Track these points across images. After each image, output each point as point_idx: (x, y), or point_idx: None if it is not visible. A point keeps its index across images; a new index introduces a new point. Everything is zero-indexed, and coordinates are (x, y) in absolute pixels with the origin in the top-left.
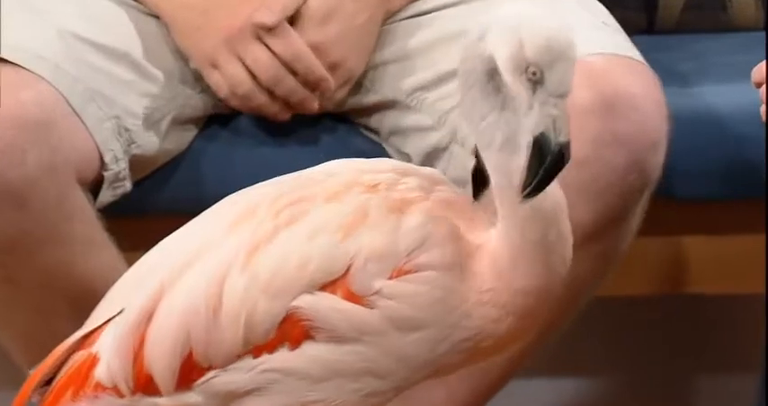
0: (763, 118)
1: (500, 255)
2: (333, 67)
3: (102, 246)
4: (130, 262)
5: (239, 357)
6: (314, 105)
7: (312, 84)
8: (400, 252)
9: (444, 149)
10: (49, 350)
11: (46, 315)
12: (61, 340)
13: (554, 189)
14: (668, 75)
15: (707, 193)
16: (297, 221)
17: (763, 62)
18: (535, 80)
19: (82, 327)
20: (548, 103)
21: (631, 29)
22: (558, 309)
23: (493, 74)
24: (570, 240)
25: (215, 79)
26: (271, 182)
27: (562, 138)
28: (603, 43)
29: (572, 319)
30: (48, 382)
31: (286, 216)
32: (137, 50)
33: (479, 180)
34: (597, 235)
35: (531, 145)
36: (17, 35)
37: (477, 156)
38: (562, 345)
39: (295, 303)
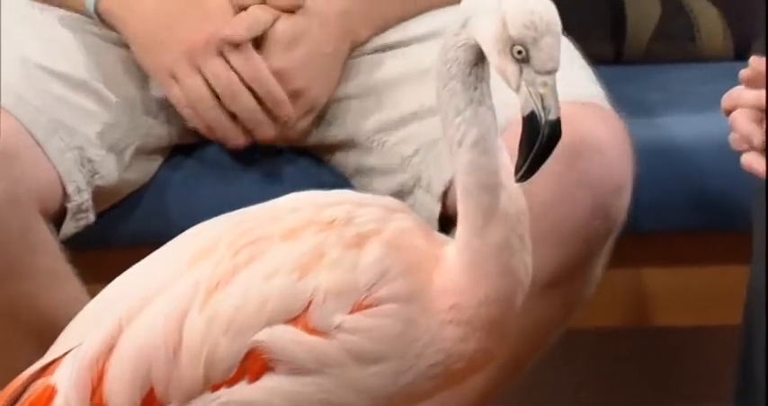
0: (732, 145)
1: (460, 268)
2: (295, 95)
3: (66, 278)
4: (94, 295)
5: (199, 393)
6: (271, 131)
7: (271, 108)
8: (360, 288)
9: (409, 193)
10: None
11: (9, 348)
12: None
13: (518, 195)
14: (635, 105)
15: (672, 225)
16: (255, 261)
17: (734, 89)
18: (521, 58)
19: (43, 358)
20: (535, 82)
21: (599, 59)
22: (524, 350)
23: (474, 64)
24: (530, 247)
25: (174, 92)
26: (231, 216)
27: (551, 116)
28: (568, 88)
29: (536, 358)
30: None
31: (245, 255)
32: (99, 80)
33: (446, 225)
34: (561, 281)
35: (522, 124)
36: None
37: (444, 202)
38: (528, 378)
39: (256, 337)
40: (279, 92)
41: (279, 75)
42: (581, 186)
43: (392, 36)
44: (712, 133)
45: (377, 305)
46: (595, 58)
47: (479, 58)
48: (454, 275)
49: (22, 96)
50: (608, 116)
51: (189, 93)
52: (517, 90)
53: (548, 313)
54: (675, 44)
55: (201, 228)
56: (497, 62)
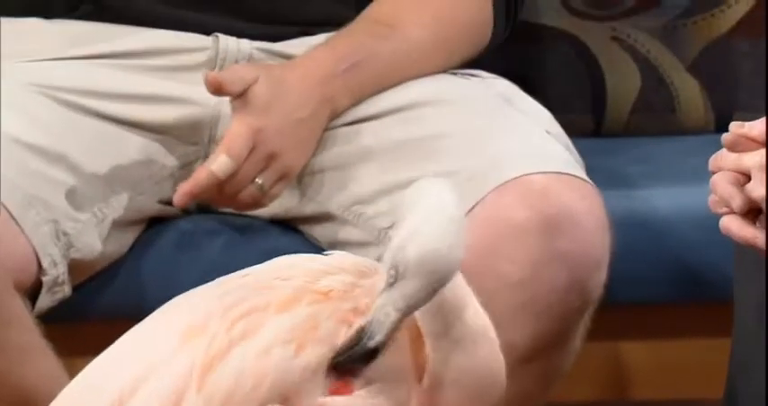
0: (711, 208)
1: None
2: (270, 158)
3: (41, 353)
4: (70, 369)
5: None
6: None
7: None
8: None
9: None
10: None
11: None
12: None
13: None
14: (614, 178)
15: (651, 297)
16: (250, 335)
17: (718, 152)
18: (390, 280)
19: None
20: (386, 305)
21: (578, 131)
22: None
23: None
24: (502, 364)
25: None
26: (217, 283)
27: (370, 343)
28: (545, 160)
29: None
30: None
31: (239, 329)
32: (75, 153)
33: None
34: (537, 355)
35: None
36: None
37: None
38: None
39: None
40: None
41: (254, 135)
42: (557, 261)
43: (368, 108)
44: (692, 206)
45: (367, 384)
46: (575, 130)
47: None
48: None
49: None
50: (585, 188)
51: None
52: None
53: (525, 387)
54: (656, 116)
55: (187, 299)
56: (384, 264)
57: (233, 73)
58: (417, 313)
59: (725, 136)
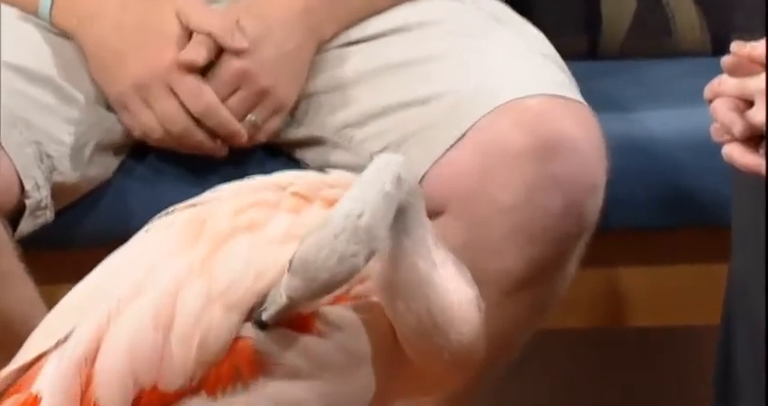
0: (713, 136)
1: None
2: (262, 95)
3: (20, 279)
4: (52, 296)
5: (192, 390)
6: (223, 152)
7: (224, 138)
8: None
9: None
10: None
11: None
12: None
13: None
14: (610, 101)
15: (647, 222)
16: (257, 227)
17: (716, 79)
18: (288, 266)
19: (11, 361)
20: (279, 289)
21: (573, 54)
22: (496, 351)
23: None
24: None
25: (127, 121)
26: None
27: (262, 315)
28: (539, 83)
29: (507, 362)
30: None
31: (247, 218)
32: (60, 74)
33: None
34: (531, 282)
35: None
36: None
37: None
38: (501, 379)
39: (248, 334)
40: (230, 123)
41: (244, 75)
42: (552, 186)
43: (357, 32)
44: (688, 128)
45: (359, 298)
46: (569, 53)
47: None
48: None
49: None
50: (580, 111)
51: (142, 127)
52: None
53: (519, 313)
54: (652, 39)
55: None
56: None
57: (220, 26)
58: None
59: (725, 60)
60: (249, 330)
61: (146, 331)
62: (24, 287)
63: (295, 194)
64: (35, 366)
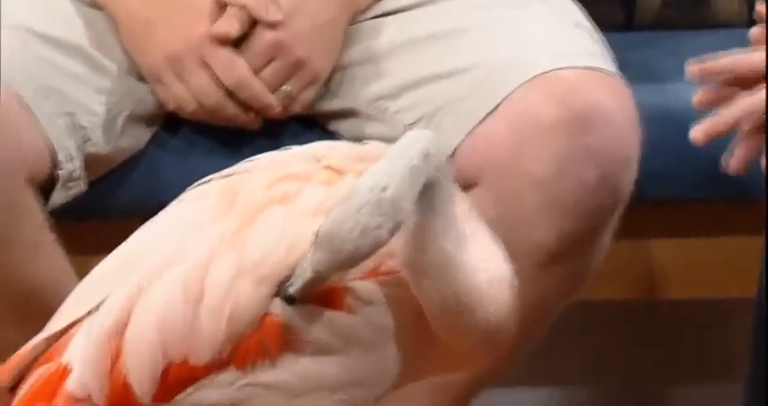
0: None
1: None
2: (296, 66)
3: (51, 249)
4: (83, 267)
5: (220, 364)
6: (256, 124)
7: (258, 111)
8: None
9: None
10: None
11: None
12: (8, 346)
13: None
14: (645, 72)
15: (682, 194)
16: (290, 200)
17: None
18: (314, 239)
19: (43, 329)
20: (306, 262)
21: (608, 25)
22: (529, 324)
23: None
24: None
25: (161, 93)
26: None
27: (289, 290)
28: (573, 54)
29: (541, 335)
30: (10, 388)
31: (280, 190)
32: (92, 45)
33: None
34: (564, 255)
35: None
36: None
37: None
38: (535, 352)
39: (276, 310)
40: (264, 96)
41: (279, 47)
42: (586, 159)
43: (391, 3)
44: None
45: (389, 274)
46: (605, 24)
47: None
48: None
49: (11, 59)
50: (614, 82)
51: (176, 99)
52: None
53: (552, 287)
54: (688, 9)
55: (221, 175)
56: None
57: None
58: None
59: (754, 31)
60: (277, 306)
61: (175, 304)
62: (55, 258)
63: (328, 167)
64: (65, 336)
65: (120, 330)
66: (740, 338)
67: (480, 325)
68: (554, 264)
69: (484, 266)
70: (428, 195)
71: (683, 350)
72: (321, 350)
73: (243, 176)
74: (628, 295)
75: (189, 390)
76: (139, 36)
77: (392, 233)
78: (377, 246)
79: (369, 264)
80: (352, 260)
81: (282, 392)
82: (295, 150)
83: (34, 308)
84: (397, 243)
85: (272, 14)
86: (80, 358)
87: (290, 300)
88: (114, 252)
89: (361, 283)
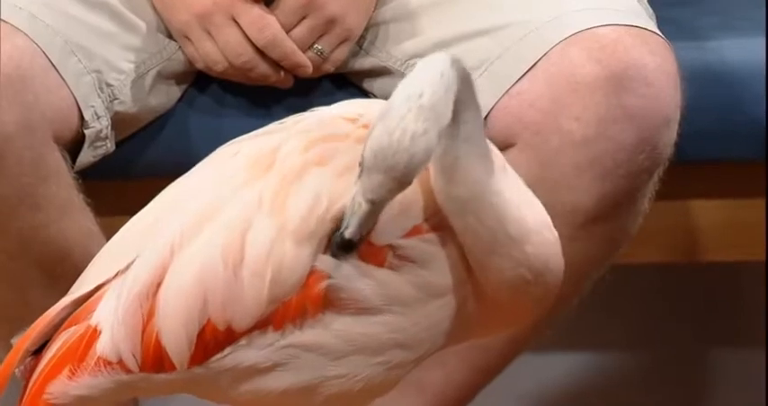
0: None
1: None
2: (330, 23)
3: (78, 209)
4: (111, 228)
5: (260, 325)
6: (288, 83)
7: (289, 70)
8: (420, 211)
9: None
10: (24, 320)
11: (19, 284)
12: (35, 309)
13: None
14: (686, 30)
15: (723, 154)
16: (328, 160)
17: None
18: (360, 170)
19: (69, 292)
20: (357, 195)
21: None
22: (563, 289)
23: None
24: (560, 260)
25: (190, 52)
26: (282, 121)
27: (346, 233)
28: (612, 12)
29: (578, 299)
30: (34, 352)
31: (316, 152)
32: (119, 2)
33: None
34: (602, 217)
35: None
36: None
37: None
38: (573, 315)
39: (321, 267)
40: (295, 54)
41: (311, 4)
42: (625, 119)
43: None
44: (766, 58)
45: (433, 231)
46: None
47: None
48: None
49: (36, 15)
50: (655, 41)
51: (205, 58)
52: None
53: (590, 249)
54: None
55: (250, 136)
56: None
57: None
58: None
59: None
60: (321, 263)
61: (215, 266)
62: (83, 218)
63: (365, 126)
64: (93, 298)
65: (153, 292)
66: None
67: (531, 261)
68: (593, 226)
69: (525, 208)
70: (457, 122)
71: (722, 313)
72: (364, 310)
73: (277, 136)
74: (667, 257)
75: (226, 351)
76: None
77: (438, 137)
78: (429, 151)
79: (410, 223)
80: (409, 171)
81: (323, 354)
82: (328, 109)
83: (61, 269)
84: (434, 183)
85: None
86: (111, 321)
87: (347, 246)
88: (140, 212)
89: (404, 240)
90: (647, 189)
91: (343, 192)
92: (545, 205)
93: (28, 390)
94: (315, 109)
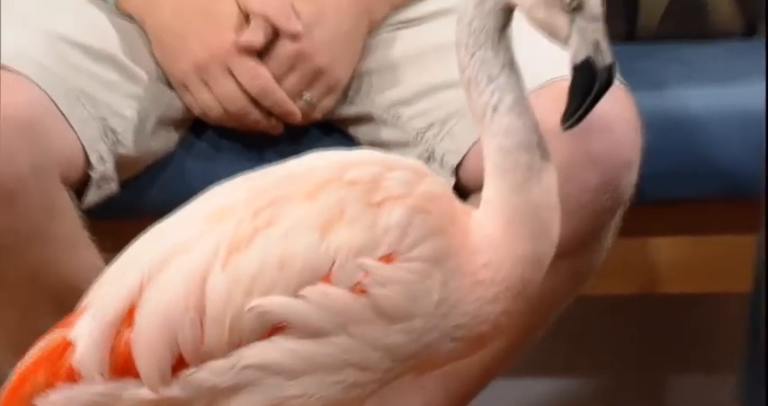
0: None
1: (497, 226)
2: (317, 74)
3: (84, 245)
4: None
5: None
6: (279, 129)
7: (280, 118)
8: (381, 248)
9: None
10: (32, 347)
11: (29, 313)
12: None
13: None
14: (646, 80)
15: (680, 194)
16: (275, 222)
17: None
18: (574, 6)
19: None
20: (587, 29)
21: (611, 37)
22: (531, 320)
23: (501, 30)
24: (558, 207)
25: (188, 100)
26: (250, 176)
27: (609, 59)
28: None
29: (546, 328)
30: None
31: (265, 217)
32: (121, 51)
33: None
34: (569, 253)
35: (574, 72)
36: (2, 37)
37: (457, 175)
38: (537, 346)
39: (268, 308)
40: (285, 103)
41: (299, 56)
42: (589, 163)
43: (408, 13)
44: (723, 105)
45: (406, 262)
46: (608, 36)
47: (506, 24)
48: (490, 233)
49: (44, 65)
50: (617, 91)
51: (202, 106)
52: (566, 41)
53: (556, 283)
54: (688, 21)
55: (219, 188)
56: (543, 16)
57: (276, 9)
58: (494, 158)
59: None
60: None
61: (180, 310)
62: (89, 254)
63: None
64: (76, 315)
65: (125, 317)
66: (733, 330)
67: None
68: (559, 262)
69: None
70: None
71: (679, 343)
72: (316, 332)
73: (234, 199)
74: (628, 289)
75: (189, 370)
76: (169, 46)
77: None
78: None
79: (385, 249)
80: None
81: (279, 373)
82: (282, 169)
83: (69, 301)
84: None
85: (293, 26)
86: (84, 340)
87: (612, 68)
88: (127, 249)
89: (377, 265)
90: (610, 228)
91: (291, 251)
92: None
93: (5, 386)
94: (304, 153)
